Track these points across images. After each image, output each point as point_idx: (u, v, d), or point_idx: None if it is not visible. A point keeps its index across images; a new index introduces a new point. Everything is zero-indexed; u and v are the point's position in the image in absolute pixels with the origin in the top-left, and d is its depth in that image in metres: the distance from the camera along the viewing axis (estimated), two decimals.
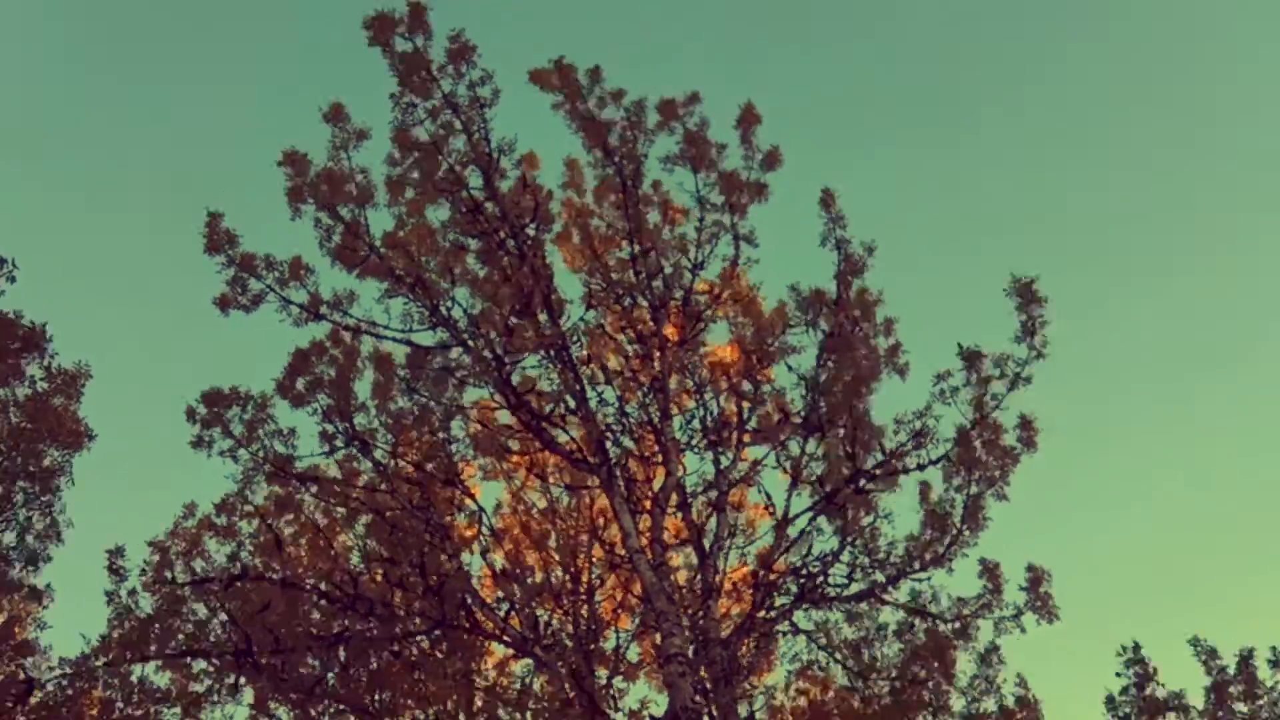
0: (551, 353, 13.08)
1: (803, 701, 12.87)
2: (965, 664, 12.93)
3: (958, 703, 12.48)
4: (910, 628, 12.91)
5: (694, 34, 36.62)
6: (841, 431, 13.03)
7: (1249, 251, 34.20)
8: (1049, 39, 36.17)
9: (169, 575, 12.67)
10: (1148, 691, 12.80)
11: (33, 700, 13.16)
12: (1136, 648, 13.57)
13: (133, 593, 13.40)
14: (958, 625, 12.66)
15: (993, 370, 12.94)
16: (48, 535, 14.19)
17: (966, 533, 12.97)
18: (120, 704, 13.08)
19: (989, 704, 12.62)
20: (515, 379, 12.96)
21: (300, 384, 13.22)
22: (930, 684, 12.55)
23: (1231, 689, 12.65)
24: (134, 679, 13.16)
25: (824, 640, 12.98)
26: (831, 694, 12.97)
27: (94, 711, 13.01)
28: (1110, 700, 13.25)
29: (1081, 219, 36.18)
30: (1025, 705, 12.59)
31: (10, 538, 14.11)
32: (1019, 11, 35.78)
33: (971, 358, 12.94)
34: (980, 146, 36.61)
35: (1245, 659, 13.12)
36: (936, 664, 12.64)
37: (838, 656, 12.86)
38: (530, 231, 13.39)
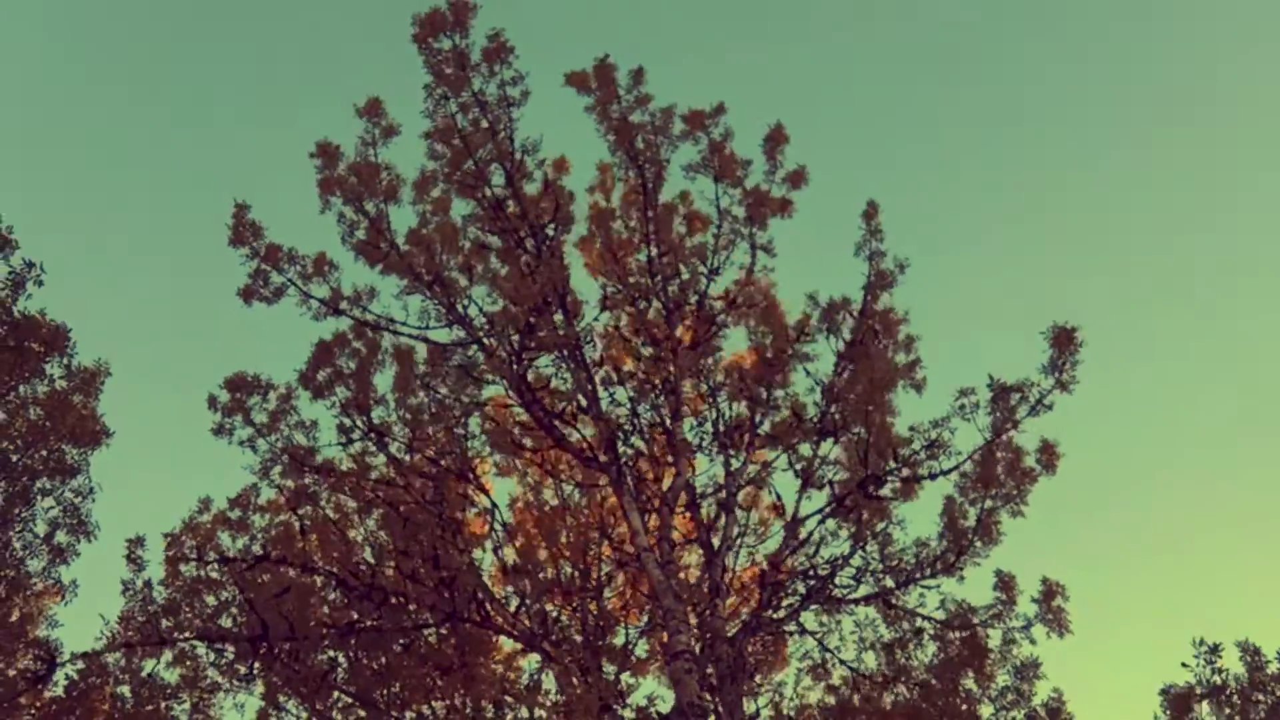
0: (565, 352, 13.22)
1: (813, 698, 12.86)
2: (1000, 676, 12.85)
3: (986, 710, 12.39)
4: (918, 633, 12.86)
5: (718, 38, 37.08)
6: (855, 437, 13.06)
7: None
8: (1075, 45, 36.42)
9: (193, 556, 12.82)
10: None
11: (46, 695, 13.31)
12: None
13: (148, 584, 13.62)
14: (965, 634, 12.61)
15: (1014, 396, 12.93)
16: (78, 531, 14.42)
17: (979, 544, 12.95)
18: (130, 698, 13.24)
19: (1018, 715, 12.50)
20: (530, 376, 13.08)
21: (321, 376, 13.43)
22: (961, 691, 12.46)
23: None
24: (144, 674, 13.33)
25: (833, 641, 12.99)
26: (858, 694, 12.88)
27: (105, 707, 13.15)
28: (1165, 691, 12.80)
29: (1109, 220, 36.24)
30: (1056, 716, 12.44)
31: (30, 535, 14.33)
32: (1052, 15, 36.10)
33: (1000, 391, 12.88)
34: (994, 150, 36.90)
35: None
36: (958, 672, 12.57)
37: (842, 658, 12.84)
38: (550, 232, 13.56)
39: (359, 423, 13.53)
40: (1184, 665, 12.14)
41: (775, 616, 12.52)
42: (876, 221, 14.29)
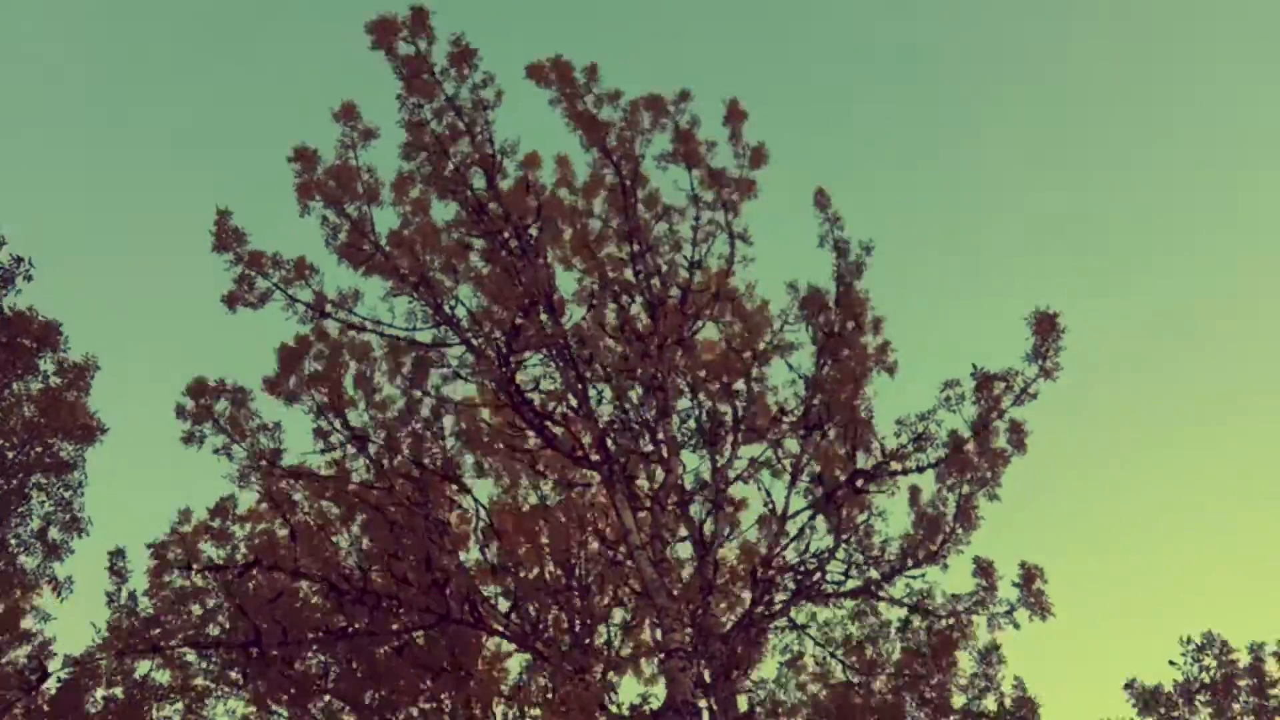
0: (554, 352, 13.20)
1: (805, 692, 13.08)
2: (966, 662, 13.16)
3: (958, 700, 12.68)
4: (906, 625, 13.11)
5: (698, 39, 37.00)
6: (839, 430, 13.21)
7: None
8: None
9: (181, 565, 12.73)
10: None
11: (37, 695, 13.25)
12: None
13: (132, 595, 13.51)
14: (953, 621, 12.88)
15: (998, 385, 13.08)
16: (71, 528, 14.31)
17: (960, 531, 13.18)
18: (122, 698, 13.19)
19: (989, 702, 12.79)
20: (518, 378, 13.06)
21: (292, 382, 13.31)
22: (932, 681, 12.73)
23: (1241, 682, 12.62)
24: (136, 676, 13.29)
25: (822, 636, 13.19)
26: (825, 690, 13.14)
27: (98, 709, 13.14)
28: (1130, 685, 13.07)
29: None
30: (1024, 704, 12.77)
31: (25, 531, 14.20)
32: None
33: (984, 380, 13.04)
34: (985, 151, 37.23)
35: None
36: (938, 661, 12.84)
37: (832, 651, 13.06)
38: (533, 232, 13.51)
39: (336, 426, 13.45)
40: (1171, 664, 12.46)
41: (767, 612, 12.69)
42: (832, 210, 14.27)
